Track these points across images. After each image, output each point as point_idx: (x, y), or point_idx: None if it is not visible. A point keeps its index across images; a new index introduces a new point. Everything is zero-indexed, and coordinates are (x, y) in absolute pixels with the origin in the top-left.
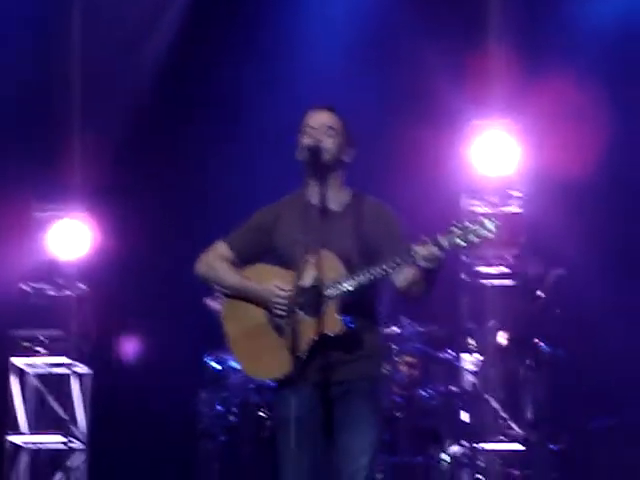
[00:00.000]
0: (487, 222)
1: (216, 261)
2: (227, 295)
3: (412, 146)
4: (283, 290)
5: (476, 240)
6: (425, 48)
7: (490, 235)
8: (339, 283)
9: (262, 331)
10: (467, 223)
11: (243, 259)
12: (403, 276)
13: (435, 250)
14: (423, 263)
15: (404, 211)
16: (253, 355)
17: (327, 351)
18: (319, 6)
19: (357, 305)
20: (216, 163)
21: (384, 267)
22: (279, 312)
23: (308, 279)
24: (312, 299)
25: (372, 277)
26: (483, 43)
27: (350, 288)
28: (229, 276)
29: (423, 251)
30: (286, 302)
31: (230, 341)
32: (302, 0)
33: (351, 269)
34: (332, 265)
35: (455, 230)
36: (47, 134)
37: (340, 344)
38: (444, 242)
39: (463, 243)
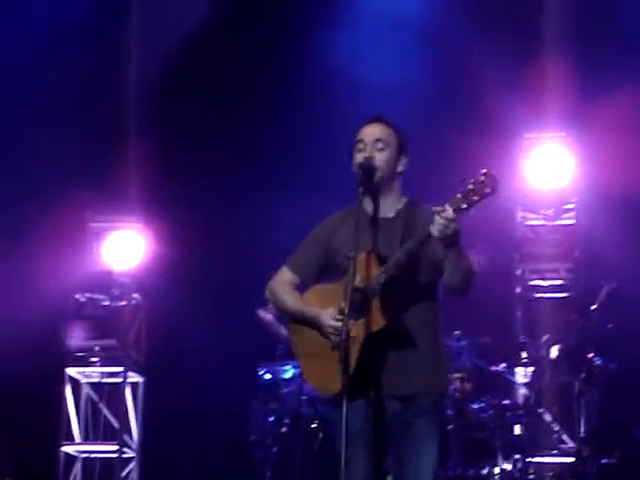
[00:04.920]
0: (487, 177)
1: (278, 289)
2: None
3: (467, 158)
4: (334, 318)
5: (477, 198)
6: (482, 60)
7: (490, 190)
8: (376, 279)
9: (322, 347)
10: (469, 184)
11: (307, 278)
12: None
13: (445, 217)
14: (438, 233)
15: (459, 224)
16: (316, 371)
17: (384, 359)
18: (372, 17)
19: (411, 310)
20: (274, 175)
21: (405, 247)
22: (334, 338)
23: (351, 286)
24: (358, 303)
25: (399, 261)
26: (539, 56)
27: (383, 278)
28: (289, 304)
29: (436, 223)
30: (337, 327)
31: (298, 357)
32: (355, 8)
33: (412, 270)
34: (371, 266)
35: (458, 195)
36: (104, 145)
37: (396, 350)
38: (450, 208)
39: (465, 204)
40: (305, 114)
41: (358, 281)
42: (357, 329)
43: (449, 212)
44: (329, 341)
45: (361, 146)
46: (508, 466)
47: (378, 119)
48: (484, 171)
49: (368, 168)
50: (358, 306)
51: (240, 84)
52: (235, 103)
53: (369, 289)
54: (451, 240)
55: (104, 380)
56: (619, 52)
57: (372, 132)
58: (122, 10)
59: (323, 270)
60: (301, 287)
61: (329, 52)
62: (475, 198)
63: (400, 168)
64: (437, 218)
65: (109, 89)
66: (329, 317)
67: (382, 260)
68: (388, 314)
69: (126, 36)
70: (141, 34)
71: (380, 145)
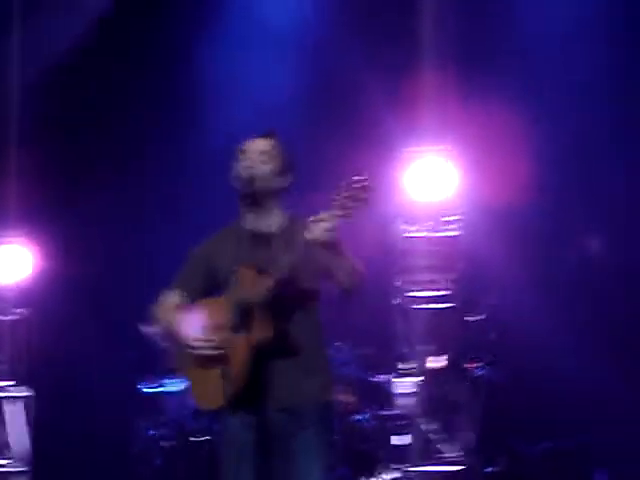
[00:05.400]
0: (359, 183)
1: (166, 315)
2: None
3: (347, 171)
4: (196, 340)
5: (352, 205)
6: (361, 72)
7: (365, 196)
8: (257, 291)
9: (204, 362)
10: (342, 191)
11: (194, 297)
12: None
13: (322, 226)
14: (312, 237)
15: (341, 236)
16: (199, 386)
17: (270, 370)
18: (255, 27)
19: (296, 318)
20: (159, 190)
21: (285, 258)
22: (206, 352)
23: (233, 299)
24: (241, 315)
25: (282, 267)
26: (420, 68)
27: (265, 290)
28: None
29: (311, 230)
30: (208, 340)
31: (183, 372)
32: (230, 22)
33: (301, 280)
34: (249, 277)
35: (334, 203)
36: None
37: (283, 359)
38: (327, 216)
39: (342, 212)
40: (183, 128)
41: (241, 294)
42: (241, 342)
43: (323, 217)
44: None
45: (243, 157)
46: (392, 476)
47: (266, 135)
48: (357, 178)
49: (247, 178)
50: (242, 319)
51: (119, 95)
52: (118, 112)
53: (251, 301)
54: (330, 244)
55: None
56: (501, 62)
57: (256, 145)
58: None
59: (208, 288)
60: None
61: (207, 67)
62: (351, 205)
63: (284, 184)
64: (311, 225)
65: None
66: (192, 341)
67: (258, 269)
68: (273, 325)
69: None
70: (22, 47)
71: (263, 157)
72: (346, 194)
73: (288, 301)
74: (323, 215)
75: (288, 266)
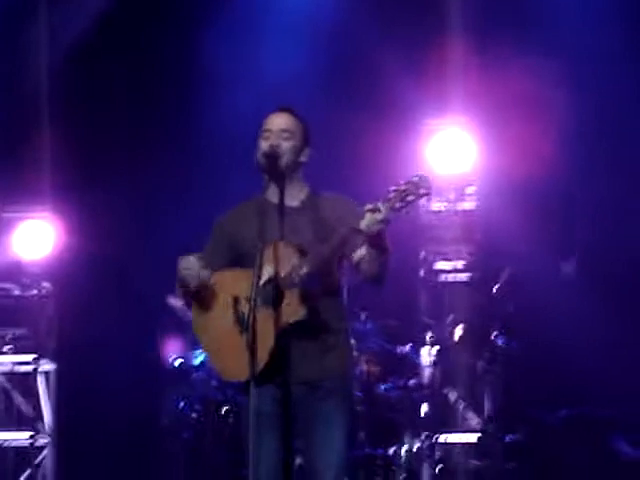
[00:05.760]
0: (420, 179)
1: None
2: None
3: (368, 146)
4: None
5: (412, 198)
6: (381, 45)
7: (425, 191)
8: (295, 270)
9: (228, 333)
10: (402, 185)
11: (219, 268)
12: (357, 254)
13: (377, 216)
14: (366, 229)
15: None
16: (223, 357)
17: (293, 346)
18: (273, 11)
19: (322, 298)
20: (184, 159)
21: (332, 242)
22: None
23: (265, 274)
24: (270, 293)
25: (324, 255)
26: (439, 40)
27: (305, 270)
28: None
29: (366, 220)
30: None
31: (204, 347)
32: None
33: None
34: (287, 255)
35: (393, 194)
36: (13, 136)
37: (306, 337)
38: (382, 207)
39: (400, 204)
40: (211, 105)
41: (269, 271)
42: (270, 318)
43: (383, 211)
44: (237, 327)
45: (267, 135)
46: (415, 445)
47: (285, 109)
48: (419, 173)
49: (273, 155)
50: (271, 296)
51: (148, 75)
52: (144, 93)
53: (286, 279)
54: (378, 237)
55: (16, 369)
56: (521, 36)
57: (278, 122)
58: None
59: (231, 261)
60: None
61: (222, 45)
62: (410, 198)
63: (303, 158)
64: (368, 215)
65: (17, 80)
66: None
67: (300, 250)
68: (305, 307)
69: (34, 28)
70: (49, 27)
71: (286, 134)
72: (405, 188)
73: (317, 282)
74: (379, 205)
75: (329, 254)
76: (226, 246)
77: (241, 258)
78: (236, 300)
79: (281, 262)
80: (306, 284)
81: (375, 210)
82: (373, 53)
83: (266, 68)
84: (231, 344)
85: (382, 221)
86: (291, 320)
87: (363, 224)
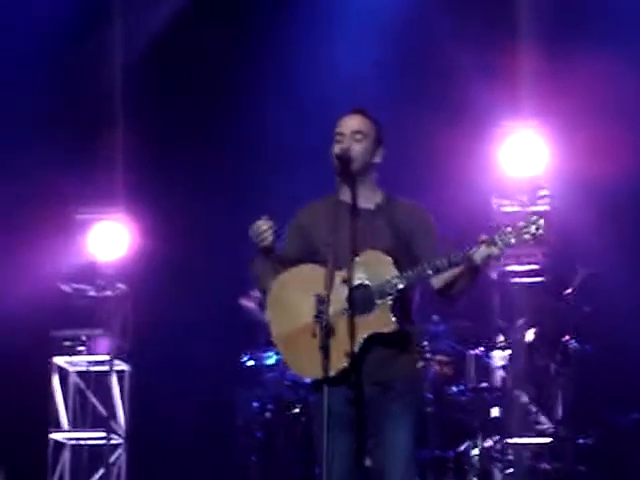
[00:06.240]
0: (537, 220)
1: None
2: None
3: (442, 148)
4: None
5: (528, 238)
6: (454, 48)
7: (541, 232)
8: (391, 281)
9: (307, 329)
10: (520, 223)
11: (291, 266)
12: (441, 276)
13: (493, 250)
14: (480, 262)
15: (435, 213)
16: (298, 353)
17: (371, 350)
18: (347, 8)
19: (401, 311)
20: (257, 162)
21: (436, 264)
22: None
23: (357, 280)
24: (362, 298)
25: (425, 274)
26: (512, 44)
27: (401, 286)
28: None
29: (482, 252)
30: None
31: (275, 339)
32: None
33: (398, 267)
34: (382, 263)
35: (510, 229)
36: (89, 138)
37: (382, 341)
38: (499, 242)
39: (515, 241)
40: (282, 106)
41: (361, 277)
42: (354, 324)
43: (499, 245)
44: (316, 325)
45: (339, 137)
46: (486, 447)
47: (358, 111)
48: (536, 215)
49: (345, 158)
50: (358, 301)
51: (222, 75)
52: (217, 94)
53: (379, 288)
54: (480, 268)
55: (91, 369)
56: (594, 39)
57: (351, 124)
58: (103, 5)
59: (303, 258)
60: None
61: (294, 43)
62: (526, 237)
63: (377, 159)
64: (483, 247)
65: (93, 83)
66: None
67: (395, 261)
68: (394, 319)
69: (108, 31)
70: (123, 30)
71: (358, 136)
72: (523, 225)
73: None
74: (496, 238)
75: (434, 271)
76: (299, 244)
77: (312, 256)
78: (320, 300)
79: (373, 269)
80: (396, 296)
81: (491, 244)
82: (447, 56)
83: (339, 66)
84: (307, 341)
85: (497, 257)
86: (384, 330)
87: (478, 256)
